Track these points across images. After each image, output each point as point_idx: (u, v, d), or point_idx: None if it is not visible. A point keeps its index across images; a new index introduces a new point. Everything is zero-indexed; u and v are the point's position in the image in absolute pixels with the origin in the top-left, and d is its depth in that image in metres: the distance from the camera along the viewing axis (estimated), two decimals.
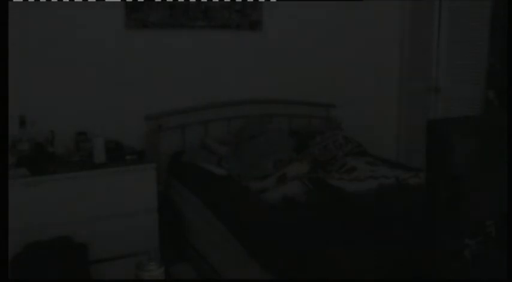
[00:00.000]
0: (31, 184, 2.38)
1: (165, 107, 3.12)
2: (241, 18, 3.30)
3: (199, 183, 2.77)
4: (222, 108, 3.28)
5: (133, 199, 2.60)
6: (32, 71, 2.78)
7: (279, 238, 1.99)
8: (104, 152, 2.60)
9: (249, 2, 3.30)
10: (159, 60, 3.13)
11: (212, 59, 3.29)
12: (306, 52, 3.58)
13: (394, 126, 4.06)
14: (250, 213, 2.28)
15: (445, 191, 1.23)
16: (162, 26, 3.07)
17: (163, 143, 3.10)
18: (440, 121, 1.33)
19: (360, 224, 1.95)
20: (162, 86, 3.14)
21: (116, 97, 3.01)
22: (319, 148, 3.06)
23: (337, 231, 1.93)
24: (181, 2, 3.09)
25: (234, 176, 2.75)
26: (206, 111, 3.23)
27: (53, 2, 2.76)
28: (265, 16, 3.38)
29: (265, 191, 2.48)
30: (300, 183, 2.46)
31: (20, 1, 2.67)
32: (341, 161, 2.91)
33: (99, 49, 2.94)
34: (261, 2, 3.34)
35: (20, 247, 2.30)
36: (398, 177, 2.54)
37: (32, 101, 2.74)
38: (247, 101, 3.35)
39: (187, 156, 3.00)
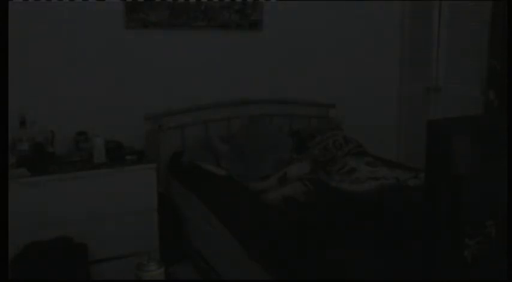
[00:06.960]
0: (31, 184, 2.38)
1: (165, 107, 3.12)
2: (241, 18, 3.30)
3: (199, 183, 2.77)
4: (222, 108, 3.28)
5: (133, 199, 2.60)
6: (32, 71, 2.78)
7: (279, 238, 1.99)
8: (104, 152, 2.60)
9: (249, 2, 3.30)
10: (159, 60, 3.13)
11: (212, 59, 3.28)
12: (306, 52, 3.58)
13: (394, 126, 4.06)
14: (251, 214, 2.28)
15: (445, 191, 1.23)
16: (162, 26, 3.07)
17: (163, 143, 3.10)
18: (440, 121, 1.33)
19: (360, 225, 1.95)
20: (162, 86, 3.14)
21: (116, 97, 3.01)
22: (319, 148, 3.06)
23: (337, 231, 1.93)
24: (181, 2, 3.09)
25: (234, 176, 2.75)
26: (206, 111, 3.23)
27: (53, 1, 2.76)
28: (265, 16, 3.38)
29: (265, 192, 2.48)
30: (300, 184, 2.45)
31: (20, 1, 2.67)
32: (341, 161, 2.90)
33: (99, 49, 2.94)
34: (261, 2, 3.34)
35: (20, 247, 2.31)
36: (398, 178, 2.54)
37: (32, 101, 2.74)
38: (247, 101, 3.34)
39: (187, 156, 3.00)
